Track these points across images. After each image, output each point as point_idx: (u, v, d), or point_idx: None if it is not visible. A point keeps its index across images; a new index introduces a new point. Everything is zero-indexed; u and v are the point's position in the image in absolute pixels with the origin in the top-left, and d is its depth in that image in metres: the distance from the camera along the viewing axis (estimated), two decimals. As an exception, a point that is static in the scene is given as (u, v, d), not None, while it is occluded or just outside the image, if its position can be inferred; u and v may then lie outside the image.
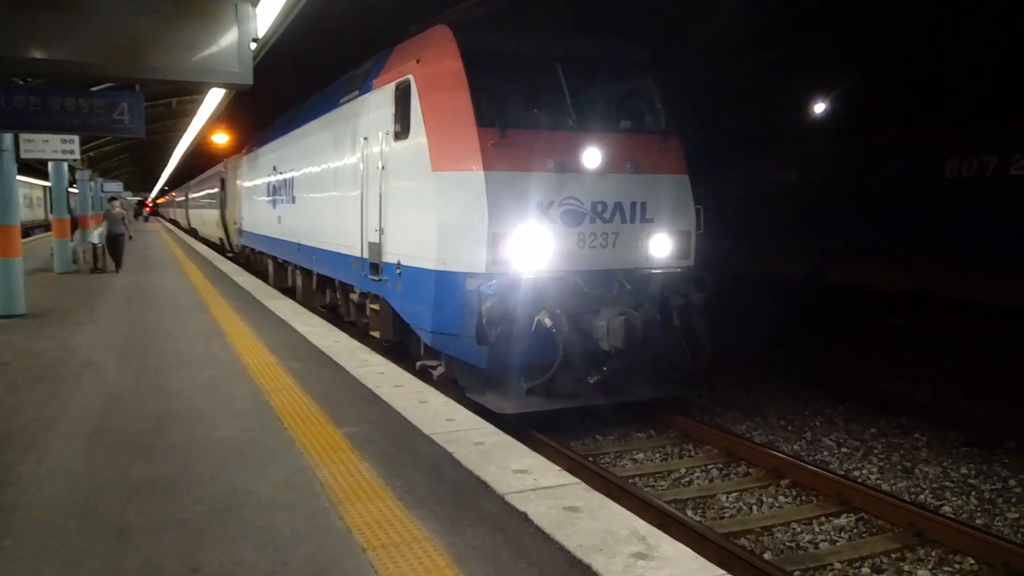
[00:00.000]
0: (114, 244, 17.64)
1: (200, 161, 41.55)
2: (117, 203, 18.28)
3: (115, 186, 36.86)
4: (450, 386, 8.17)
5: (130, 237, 18.90)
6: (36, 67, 5.20)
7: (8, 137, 10.86)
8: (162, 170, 51.29)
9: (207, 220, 33.39)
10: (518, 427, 7.00)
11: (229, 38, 5.00)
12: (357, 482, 4.32)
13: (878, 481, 6.97)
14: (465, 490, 4.21)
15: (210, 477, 4.40)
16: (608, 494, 5.86)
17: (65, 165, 18.59)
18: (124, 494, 4.15)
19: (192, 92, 15.22)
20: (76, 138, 13.79)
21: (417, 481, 4.34)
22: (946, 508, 6.39)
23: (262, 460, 4.71)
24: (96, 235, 18.06)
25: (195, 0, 5.10)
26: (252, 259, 21.02)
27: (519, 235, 7.49)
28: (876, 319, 15.02)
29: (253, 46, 5.13)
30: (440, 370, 8.44)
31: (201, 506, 3.98)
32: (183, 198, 50.25)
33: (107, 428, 5.40)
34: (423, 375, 8.12)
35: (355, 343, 8.68)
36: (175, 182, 65.25)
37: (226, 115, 20.59)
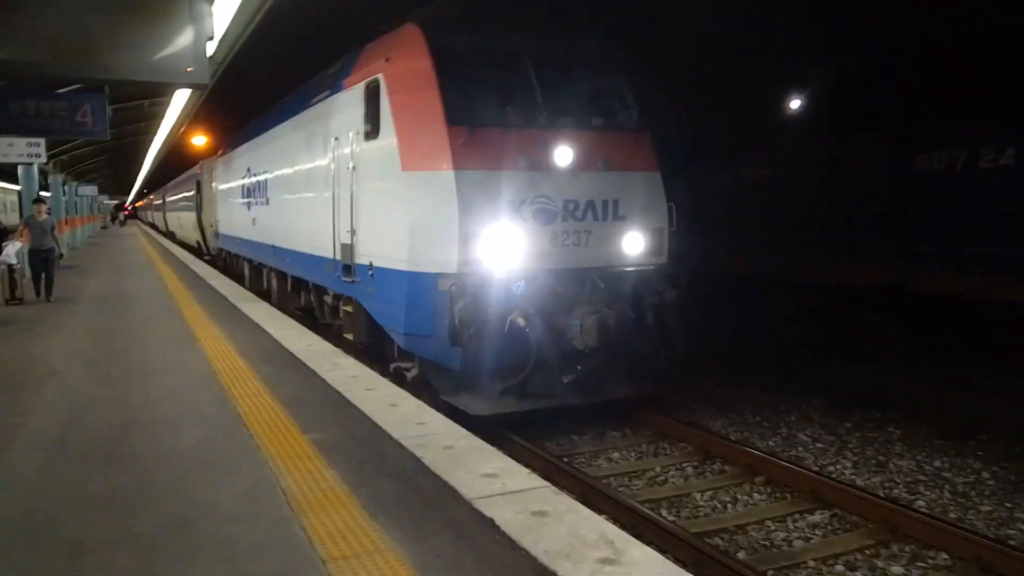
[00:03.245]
0: (40, 263, 12.89)
1: (177, 163, 41.18)
2: (44, 207, 13.70)
3: (90, 189, 36.54)
4: (424, 388, 8.08)
5: (61, 255, 14.38)
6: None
7: (-30, 141, 10.67)
8: (138, 173, 50.72)
9: (184, 223, 33.06)
10: (493, 429, 6.93)
11: (185, 37, 4.87)
12: (322, 490, 4.22)
13: (852, 476, 6.97)
14: (432, 496, 4.12)
15: (171, 488, 4.29)
16: (582, 495, 5.84)
17: (35, 169, 18.24)
18: (81, 508, 4.03)
19: (159, 94, 14.97)
20: (42, 141, 13.52)
21: (384, 488, 4.25)
22: (920, 502, 6.41)
23: (225, 469, 4.60)
24: (12, 252, 12.69)
25: (149, -2, 4.99)
26: (229, 262, 20.79)
27: (491, 234, 7.41)
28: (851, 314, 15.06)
29: (210, 45, 5.01)
30: (414, 372, 8.34)
31: (160, 519, 3.87)
32: (160, 201, 49.76)
33: (68, 439, 5.26)
34: (398, 378, 8.03)
35: (328, 346, 8.56)
36: (152, 185, 64.57)
37: (202, 117, 20.39)
